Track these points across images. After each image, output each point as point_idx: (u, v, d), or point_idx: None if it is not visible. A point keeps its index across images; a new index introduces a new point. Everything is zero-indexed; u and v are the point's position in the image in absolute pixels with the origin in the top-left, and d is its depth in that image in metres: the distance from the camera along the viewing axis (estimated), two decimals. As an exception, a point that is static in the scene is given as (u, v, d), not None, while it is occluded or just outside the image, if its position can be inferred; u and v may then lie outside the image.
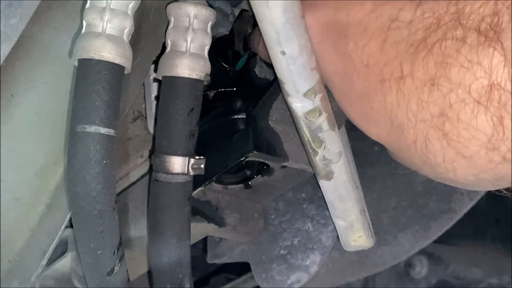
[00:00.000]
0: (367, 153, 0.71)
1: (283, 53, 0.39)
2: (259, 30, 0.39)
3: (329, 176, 0.48)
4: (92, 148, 0.41)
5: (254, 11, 0.37)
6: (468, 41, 0.33)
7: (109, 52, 0.41)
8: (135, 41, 0.46)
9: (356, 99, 0.41)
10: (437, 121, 0.35)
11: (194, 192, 0.54)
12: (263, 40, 0.40)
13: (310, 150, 0.46)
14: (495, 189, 0.39)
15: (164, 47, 0.49)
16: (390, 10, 0.37)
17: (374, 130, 0.41)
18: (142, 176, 0.59)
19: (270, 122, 0.51)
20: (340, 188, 0.50)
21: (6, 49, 0.40)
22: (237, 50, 0.58)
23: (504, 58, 0.32)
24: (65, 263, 0.56)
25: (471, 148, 0.34)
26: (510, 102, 0.32)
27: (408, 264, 1.07)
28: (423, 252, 0.99)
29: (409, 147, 0.38)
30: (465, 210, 0.72)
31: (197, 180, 0.52)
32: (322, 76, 0.43)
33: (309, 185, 0.64)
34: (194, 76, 0.47)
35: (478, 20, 0.33)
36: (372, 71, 0.38)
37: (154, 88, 0.56)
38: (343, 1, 0.40)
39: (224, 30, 0.59)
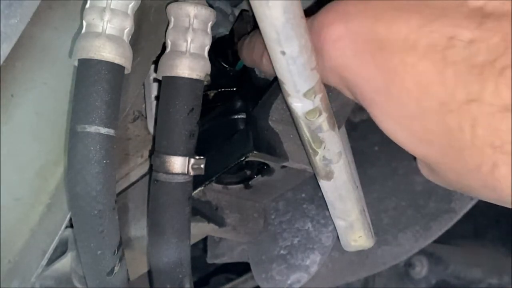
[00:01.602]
0: (367, 153, 0.71)
1: (283, 53, 0.39)
2: (259, 40, 0.38)
3: (329, 176, 0.48)
4: (92, 148, 0.41)
5: (254, 11, 0.37)
6: None
7: (109, 52, 0.41)
8: (135, 41, 0.46)
9: (405, 119, 0.38)
10: (509, 147, 0.33)
11: (194, 192, 0.54)
12: (267, 51, 0.39)
13: (310, 150, 0.46)
14: None
15: (164, 47, 0.49)
16: (444, 27, 0.35)
17: (424, 151, 0.39)
18: (142, 176, 0.59)
19: (270, 122, 0.51)
20: (340, 188, 0.50)
21: (6, 49, 0.40)
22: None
23: None
24: (65, 263, 0.56)
25: None
26: None
27: (408, 264, 1.07)
28: (423, 252, 0.99)
29: (470, 171, 0.36)
30: (465, 210, 0.72)
31: (197, 180, 0.52)
32: (352, 92, 0.41)
33: (309, 185, 0.64)
34: (194, 76, 0.47)
35: None
36: (427, 91, 0.36)
37: (154, 88, 0.56)
38: (382, 11, 0.37)
39: (224, 30, 0.59)
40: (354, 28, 0.38)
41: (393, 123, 0.39)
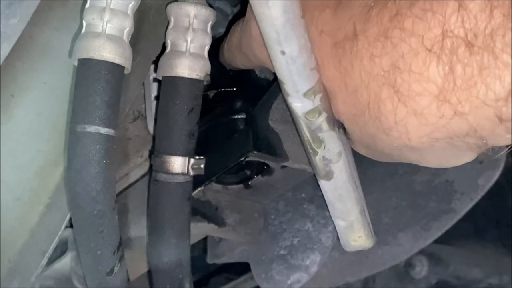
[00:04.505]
0: (367, 153, 0.70)
1: (283, 53, 0.39)
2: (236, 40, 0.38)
3: (329, 176, 0.48)
4: (92, 148, 0.41)
5: (254, 11, 0.37)
6: None
7: (109, 52, 0.41)
8: (135, 41, 0.46)
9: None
10: (389, 76, 0.34)
11: (194, 192, 0.54)
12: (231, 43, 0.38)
13: (310, 150, 0.46)
14: (453, 157, 0.38)
15: (164, 47, 0.49)
16: None
17: (333, 104, 0.40)
18: (142, 176, 0.59)
19: (270, 122, 0.51)
20: (340, 188, 0.50)
21: (6, 49, 0.40)
22: (237, 50, 0.58)
23: (458, 5, 0.31)
24: (65, 263, 0.57)
25: (421, 103, 0.33)
26: (462, 49, 0.31)
27: (408, 264, 1.07)
28: (423, 252, 0.99)
29: (363, 112, 0.37)
30: (465, 210, 0.72)
31: (197, 180, 0.52)
32: None
33: (309, 185, 0.64)
34: (194, 76, 0.47)
35: None
36: (326, 36, 0.38)
37: (154, 88, 0.56)
38: None
39: (224, 30, 0.59)
40: None
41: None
